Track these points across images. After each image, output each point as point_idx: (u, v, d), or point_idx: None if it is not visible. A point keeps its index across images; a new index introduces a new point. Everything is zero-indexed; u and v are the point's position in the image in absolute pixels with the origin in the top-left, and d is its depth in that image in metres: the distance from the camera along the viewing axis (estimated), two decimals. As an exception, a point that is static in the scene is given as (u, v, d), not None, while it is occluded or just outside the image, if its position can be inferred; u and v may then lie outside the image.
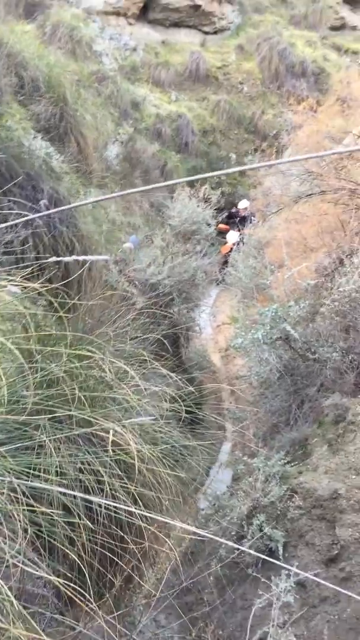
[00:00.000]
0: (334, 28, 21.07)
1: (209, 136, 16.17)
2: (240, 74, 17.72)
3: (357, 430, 4.53)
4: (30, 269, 2.06)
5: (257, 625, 3.46)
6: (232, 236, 13.70)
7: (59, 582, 1.47)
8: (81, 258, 1.39)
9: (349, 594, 2.16)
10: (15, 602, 1.44)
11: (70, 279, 3.89)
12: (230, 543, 1.94)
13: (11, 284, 1.93)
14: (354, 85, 9.85)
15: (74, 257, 1.33)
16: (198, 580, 3.99)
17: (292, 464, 4.64)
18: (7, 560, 1.57)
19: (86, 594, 1.71)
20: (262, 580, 3.78)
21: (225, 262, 11.87)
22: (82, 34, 13.79)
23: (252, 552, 1.39)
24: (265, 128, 16.69)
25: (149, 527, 2.11)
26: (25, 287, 2.13)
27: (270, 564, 4.00)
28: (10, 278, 2.10)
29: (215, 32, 18.76)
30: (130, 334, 3.85)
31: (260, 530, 4.18)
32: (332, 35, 20.61)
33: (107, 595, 2.21)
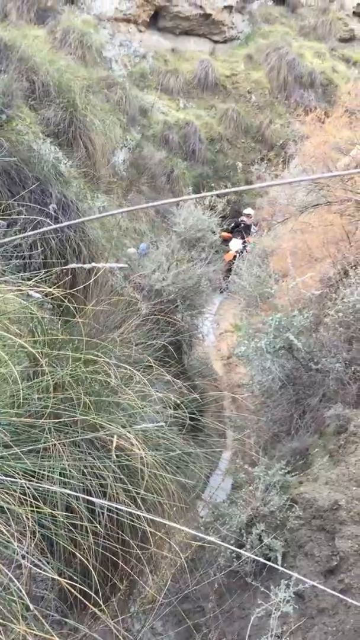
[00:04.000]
0: (343, 40, 21.15)
1: (216, 144, 16.22)
2: (249, 84, 17.79)
3: (359, 442, 4.53)
4: (40, 273, 2.08)
5: (255, 635, 3.45)
6: (235, 244, 13.71)
7: (66, 584, 1.48)
8: (100, 265, 1.40)
9: (352, 601, 2.16)
10: (26, 601, 1.45)
11: (77, 283, 3.92)
12: (235, 549, 1.94)
13: (32, 290, 1.95)
14: (362, 98, 9.88)
15: (93, 264, 1.34)
16: (196, 588, 3.99)
17: (293, 474, 4.64)
18: (17, 561, 1.58)
19: (91, 597, 1.72)
20: (261, 589, 3.78)
21: (229, 270, 11.88)
22: (92, 40, 13.86)
23: (257, 557, 1.40)
24: (272, 138, 16.74)
25: (155, 532, 2.12)
26: (46, 295, 2.16)
27: (269, 574, 4.00)
28: (30, 283, 2.12)
29: (224, 41, 18.86)
30: (135, 339, 3.86)
31: (260, 540, 4.18)
32: (341, 47, 20.69)
33: (113, 599, 2.22)
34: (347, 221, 6.81)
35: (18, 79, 8.20)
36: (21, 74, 8.50)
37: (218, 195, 10.77)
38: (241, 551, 2.30)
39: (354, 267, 6.01)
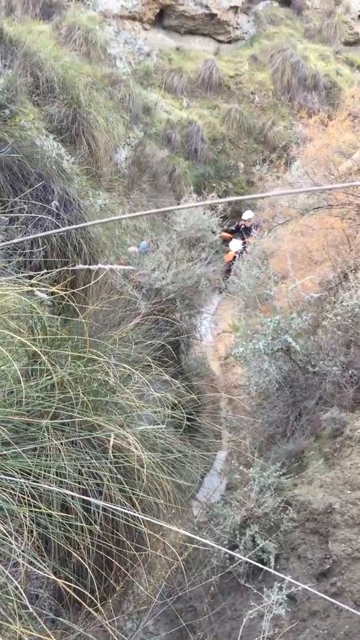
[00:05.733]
0: (347, 43, 21.19)
1: (218, 144, 16.22)
2: (253, 84, 17.79)
3: (354, 445, 4.54)
4: (43, 272, 2.09)
5: (246, 636, 3.46)
6: (235, 244, 13.71)
7: (63, 584, 1.49)
8: (107, 267, 1.40)
9: (342, 605, 2.17)
10: (24, 600, 1.46)
11: (78, 281, 3.92)
12: (229, 552, 1.95)
13: (38, 290, 1.95)
14: (365, 102, 9.91)
15: (100, 266, 1.34)
16: (188, 588, 4.00)
17: (288, 476, 4.65)
18: (13, 559, 1.59)
19: (87, 597, 1.73)
20: (254, 591, 3.79)
21: (228, 271, 11.89)
22: (97, 36, 13.84)
23: (251, 560, 1.40)
24: (274, 139, 16.74)
25: (152, 534, 2.13)
26: (49, 293, 2.16)
27: (262, 576, 4.01)
28: (33, 281, 2.13)
29: (229, 42, 18.86)
30: (134, 338, 3.86)
31: (253, 541, 4.19)
32: (346, 50, 20.72)
33: (108, 599, 2.23)
34: (347, 225, 6.81)
35: (22, 74, 8.19)
36: (25, 70, 8.49)
37: (219, 197, 10.77)
38: (235, 554, 2.30)
39: (353, 271, 6.02)
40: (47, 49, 9.89)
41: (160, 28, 17.45)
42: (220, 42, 18.69)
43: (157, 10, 16.93)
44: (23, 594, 1.51)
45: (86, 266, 1.46)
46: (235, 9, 18.41)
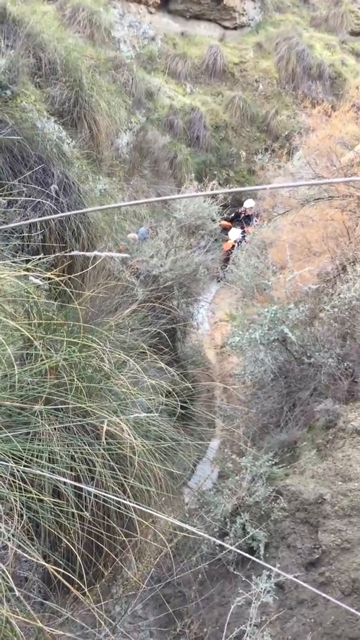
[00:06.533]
0: (353, 33, 20.97)
1: (220, 132, 16.11)
2: (257, 72, 17.64)
3: (347, 437, 4.56)
4: (40, 257, 2.08)
5: (234, 623, 3.49)
6: (234, 233, 13.67)
7: (51, 568, 1.50)
8: (103, 254, 1.40)
9: (328, 597, 2.19)
10: (10, 583, 1.47)
11: (75, 266, 3.92)
12: (218, 541, 1.96)
13: (34, 276, 1.95)
14: (370, 93, 9.85)
15: (96, 253, 1.33)
16: (177, 574, 4.03)
17: (280, 466, 4.68)
18: (3, 542, 1.60)
19: (75, 581, 1.74)
20: (243, 579, 3.82)
21: (227, 260, 11.85)
22: (101, 19, 13.69)
23: (238, 550, 1.41)
24: (277, 128, 16.62)
25: (142, 520, 2.14)
26: (45, 279, 2.16)
27: (251, 563, 4.05)
28: (29, 266, 2.12)
29: (235, 28, 18.67)
30: (130, 325, 3.86)
31: (243, 529, 4.21)
32: (352, 40, 20.52)
33: (97, 584, 2.24)
34: (347, 217, 6.80)
35: (25, 55, 8.09)
36: (28, 50, 8.38)
37: (220, 185, 10.72)
38: (224, 543, 2.31)
39: (352, 264, 6.01)
40: (51, 30, 9.78)
41: (165, 12, 17.25)
42: (225, 28, 18.49)
43: (163, -6, 16.75)
44: (9, 577, 1.52)
45: (83, 253, 1.45)
46: (241, -6, 18.23)
